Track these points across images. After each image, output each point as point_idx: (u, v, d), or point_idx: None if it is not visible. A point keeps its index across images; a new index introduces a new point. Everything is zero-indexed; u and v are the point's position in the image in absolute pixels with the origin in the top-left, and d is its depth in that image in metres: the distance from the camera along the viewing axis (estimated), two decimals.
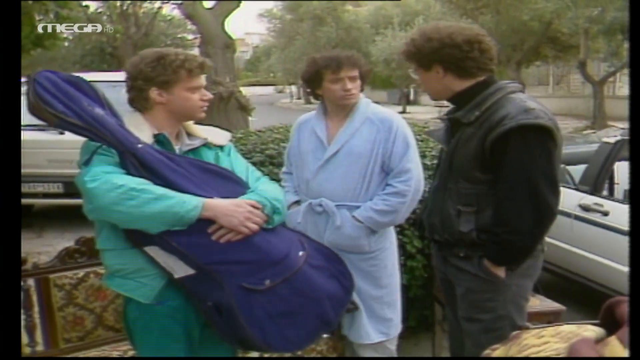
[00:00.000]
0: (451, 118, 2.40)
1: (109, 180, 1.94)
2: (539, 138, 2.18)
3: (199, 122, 2.35)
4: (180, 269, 2.07)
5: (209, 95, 2.24)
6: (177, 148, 2.21)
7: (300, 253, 2.21)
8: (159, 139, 2.15)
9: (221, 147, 2.33)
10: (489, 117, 2.23)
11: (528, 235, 2.23)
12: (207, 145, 2.28)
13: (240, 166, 2.32)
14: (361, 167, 2.81)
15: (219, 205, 2.05)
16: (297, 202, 2.96)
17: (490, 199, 2.27)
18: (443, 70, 2.30)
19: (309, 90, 2.98)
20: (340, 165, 2.82)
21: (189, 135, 2.28)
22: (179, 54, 2.17)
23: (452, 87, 2.33)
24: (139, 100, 2.18)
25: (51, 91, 1.96)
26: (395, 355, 2.99)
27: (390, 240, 2.96)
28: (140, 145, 2.02)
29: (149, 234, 2.00)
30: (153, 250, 2.06)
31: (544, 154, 2.18)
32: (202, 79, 2.23)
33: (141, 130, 2.12)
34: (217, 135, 2.36)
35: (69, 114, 1.97)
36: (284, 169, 3.14)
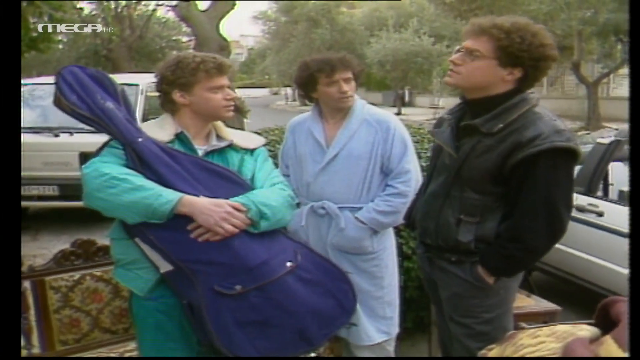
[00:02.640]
0: (465, 125, 2.27)
1: (98, 168, 2.05)
2: (567, 161, 2.15)
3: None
4: (162, 264, 2.12)
5: (233, 94, 2.30)
6: (202, 148, 2.26)
7: (288, 264, 2.19)
8: (180, 137, 2.23)
9: (251, 152, 2.37)
10: (515, 132, 2.12)
11: (539, 253, 2.24)
12: (233, 147, 2.33)
13: (262, 171, 2.34)
14: (361, 169, 2.81)
15: (197, 203, 2.07)
16: (297, 205, 2.94)
17: (494, 210, 2.22)
18: (522, 75, 2.15)
19: (302, 94, 2.96)
20: (341, 168, 2.82)
21: (218, 137, 2.34)
22: (195, 56, 2.26)
23: (494, 89, 2.18)
24: (166, 104, 2.29)
25: (70, 83, 2.10)
26: (392, 355, 3.00)
27: (391, 241, 2.97)
28: (140, 140, 2.11)
29: (135, 225, 2.07)
30: (140, 243, 2.12)
31: (568, 176, 2.16)
32: (224, 79, 2.28)
33: (165, 129, 2.23)
34: (247, 139, 2.42)
35: (80, 105, 2.10)
36: (278, 170, 3.12)
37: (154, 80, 2.31)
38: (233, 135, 2.37)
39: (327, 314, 2.26)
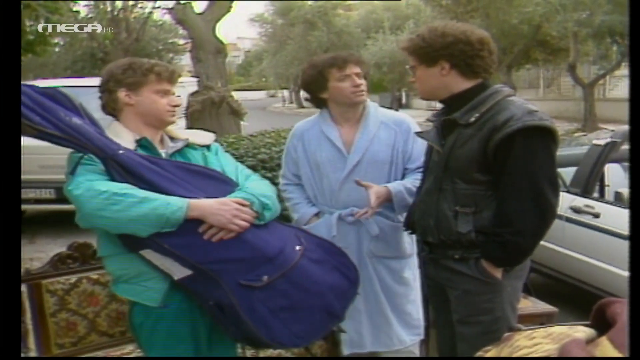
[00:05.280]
0: (445, 119, 2.38)
1: (92, 187, 1.98)
2: (543, 139, 2.21)
3: (191, 128, 2.40)
4: (178, 270, 2.09)
5: (177, 101, 2.30)
6: (162, 152, 2.25)
7: (297, 247, 2.22)
8: (142, 143, 2.20)
9: (207, 148, 2.37)
10: (491, 119, 2.23)
11: (531, 235, 2.25)
12: (191, 146, 2.32)
13: (229, 165, 2.35)
14: (385, 173, 2.77)
15: (205, 205, 2.07)
16: (317, 215, 2.87)
17: (488, 199, 2.27)
18: (450, 66, 2.28)
19: (310, 97, 2.88)
20: (366, 174, 2.74)
21: (172, 138, 2.33)
22: (150, 61, 2.27)
23: (451, 87, 2.33)
24: (109, 103, 2.24)
25: (27, 104, 1.97)
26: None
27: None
28: (121, 152, 2.05)
29: (141, 237, 2.02)
30: (148, 254, 2.08)
31: (547, 154, 2.22)
32: (172, 86, 2.28)
33: (121, 137, 2.16)
34: (200, 136, 2.41)
35: (47, 126, 1.99)
36: (284, 180, 3.01)
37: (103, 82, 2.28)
38: (186, 134, 2.37)
39: (340, 287, 2.30)
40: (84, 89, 3.82)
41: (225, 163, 2.35)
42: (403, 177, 2.81)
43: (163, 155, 2.24)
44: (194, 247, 2.07)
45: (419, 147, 2.73)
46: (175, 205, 2.01)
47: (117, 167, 2.03)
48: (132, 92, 2.21)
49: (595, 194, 4.57)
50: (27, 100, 1.98)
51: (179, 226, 2.03)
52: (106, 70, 2.28)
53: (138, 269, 2.14)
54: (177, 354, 2.19)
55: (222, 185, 2.21)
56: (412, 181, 2.70)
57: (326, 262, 2.30)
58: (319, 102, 2.86)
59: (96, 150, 2.03)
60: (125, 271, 2.18)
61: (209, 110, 8.78)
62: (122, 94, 2.20)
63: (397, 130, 2.79)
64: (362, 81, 2.75)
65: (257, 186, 2.25)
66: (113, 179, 2.03)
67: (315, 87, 2.80)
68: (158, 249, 2.06)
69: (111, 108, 2.25)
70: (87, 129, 2.05)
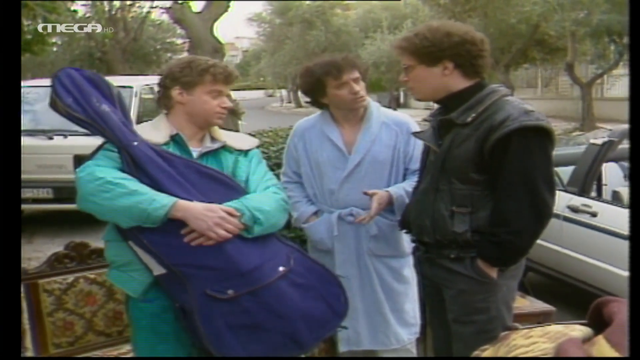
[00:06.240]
0: (442, 119, 2.38)
1: (92, 172, 2.05)
2: (540, 139, 2.21)
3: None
4: (156, 267, 2.12)
5: (229, 104, 2.31)
6: (197, 150, 2.27)
7: (281, 268, 2.19)
8: (176, 139, 2.24)
9: (245, 153, 2.36)
10: (487, 119, 2.23)
11: (527, 234, 2.25)
12: (227, 149, 2.32)
13: (256, 174, 2.34)
14: (386, 174, 2.77)
15: (191, 208, 2.07)
16: (315, 214, 2.88)
17: (484, 199, 2.27)
18: (453, 66, 2.27)
19: (311, 101, 2.87)
20: (366, 174, 2.76)
21: (212, 138, 2.34)
22: (209, 60, 2.29)
23: (449, 86, 2.31)
24: (162, 99, 2.30)
25: (66, 86, 2.10)
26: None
27: None
28: (135, 143, 2.10)
29: (129, 229, 2.07)
30: (133, 246, 2.12)
31: (544, 154, 2.22)
32: (226, 88, 2.29)
33: (159, 130, 2.24)
34: (240, 140, 2.42)
35: (75, 108, 2.10)
36: (285, 178, 3.00)
37: (148, 82, 2.32)
38: (226, 137, 2.37)
39: (319, 317, 2.26)
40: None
41: (253, 171, 2.34)
42: (404, 177, 2.81)
43: (195, 154, 2.26)
44: (170, 247, 2.08)
45: (419, 148, 2.72)
46: (159, 203, 2.03)
47: (128, 158, 2.09)
48: (186, 91, 2.24)
49: (593, 193, 4.58)
50: (68, 82, 2.11)
51: (162, 224, 2.04)
52: (167, 66, 2.35)
53: (128, 258, 2.17)
54: (158, 351, 2.20)
55: (228, 191, 2.20)
56: (412, 184, 2.69)
57: (312, 289, 2.26)
58: (319, 105, 2.86)
59: (113, 138, 2.11)
60: (117, 257, 2.22)
61: None
62: (175, 92, 2.25)
63: (399, 131, 2.79)
64: (360, 86, 2.73)
65: (257, 198, 2.22)
66: (124, 169, 2.09)
67: (314, 93, 2.80)
68: (137, 243, 2.10)
69: (163, 103, 2.30)
70: (111, 117, 2.12)
